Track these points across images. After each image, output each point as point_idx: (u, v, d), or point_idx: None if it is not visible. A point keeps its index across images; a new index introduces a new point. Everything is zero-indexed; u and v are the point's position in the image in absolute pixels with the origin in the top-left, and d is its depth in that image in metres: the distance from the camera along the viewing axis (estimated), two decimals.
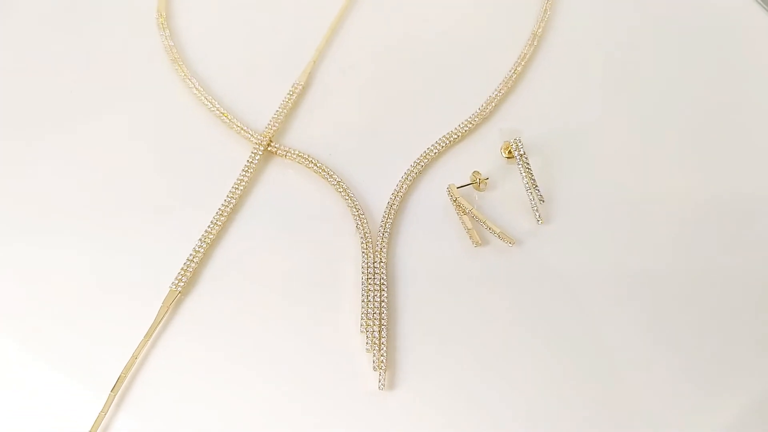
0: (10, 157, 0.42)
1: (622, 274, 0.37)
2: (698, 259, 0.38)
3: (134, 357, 0.35)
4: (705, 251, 0.38)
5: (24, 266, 0.38)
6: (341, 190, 0.40)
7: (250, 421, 0.34)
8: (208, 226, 0.39)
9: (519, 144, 0.39)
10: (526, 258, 0.38)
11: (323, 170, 0.40)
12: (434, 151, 0.41)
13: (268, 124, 0.42)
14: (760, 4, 0.47)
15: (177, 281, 0.37)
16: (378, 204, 0.40)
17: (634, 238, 0.39)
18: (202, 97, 0.43)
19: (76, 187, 0.41)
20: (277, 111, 0.43)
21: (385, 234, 0.39)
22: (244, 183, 0.40)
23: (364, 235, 0.38)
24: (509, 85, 0.44)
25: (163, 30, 0.46)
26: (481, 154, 0.42)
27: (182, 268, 0.37)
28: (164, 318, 0.36)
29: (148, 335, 0.36)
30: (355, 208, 0.39)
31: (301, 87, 0.44)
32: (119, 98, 0.44)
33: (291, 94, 0.44)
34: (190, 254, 0.38)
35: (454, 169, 0.41)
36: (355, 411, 0.34)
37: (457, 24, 0.47)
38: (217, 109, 0.43)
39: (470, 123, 0.42)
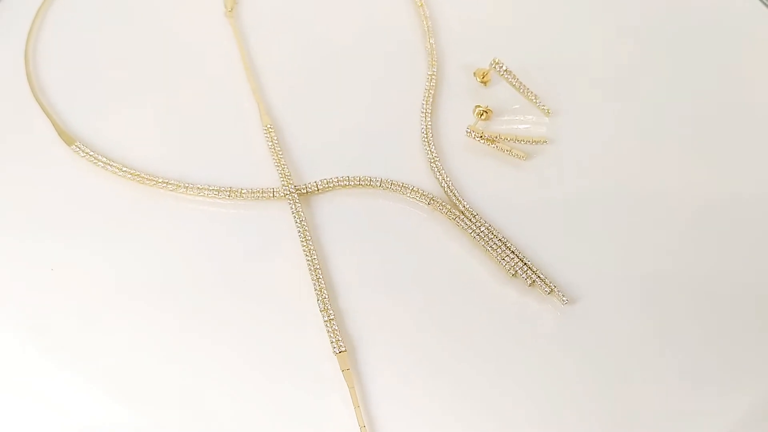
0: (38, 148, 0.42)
1: (627, 275, 0.38)
2: (703, 259, 0.38)
3: (362, 426, 0.34)
4: (709, 251, 0.38)
5: (39, 266, 0.39)
6: (389, 186, 0.41)
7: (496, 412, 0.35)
8: (315, 287, 0.38)
9: (499, 62, 0.43)
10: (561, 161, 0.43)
11: (361, 180, 0.41)
12: (428, 109, 0.44)
13: (281, 173, 0.41)
14: (763, 2, 0.47)
15: (335, 344, 0.36)
16: (417, 179, 0.42)
17: (638, 238, 0.39)
18: (201, 191, 0.41)
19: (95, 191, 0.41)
20: (276, 158, 0.42)
21: (453, 192, 0.40)
22: (308, 234, 0.39)
23: (442, 204, 0.40)
24: (430, 31, 0.47)
25: (85, 154, 0.42)
26: (461, 97, 0.45)
27: (329, 333, 0.36)
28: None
29: (355, 404, 0.35)
30: (414, 191, 0.40)
31: (272, 128, 0.43)
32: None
33: (272, 139, 0.43)
34: (324, 318, 0.37)
35: (452, 120, 0.44)
36: (554, 340, 0.37)
37: (355, 6, 0.49)
38: (222, 190, 0.41)
39: (434, 74, 0.45)
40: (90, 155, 0.42)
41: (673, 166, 0.42)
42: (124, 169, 0.42)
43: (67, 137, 0.43)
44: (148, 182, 0.41)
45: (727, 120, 0.43)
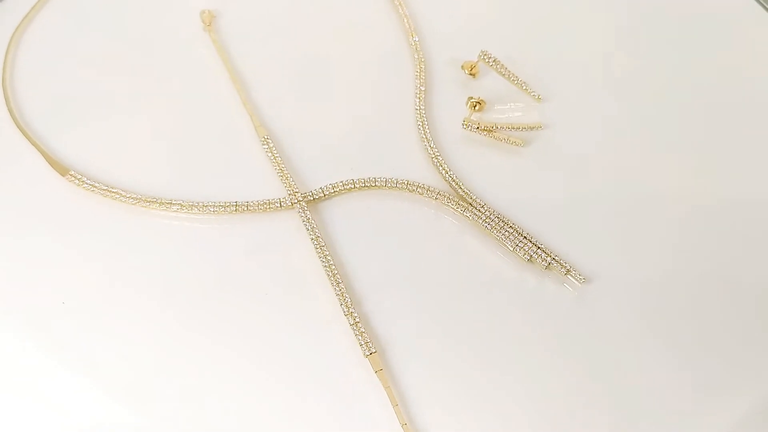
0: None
1: (626, 276, 0.38)
2: (702, 259, 0.38)
3: (403, 424, 0.34)
4: (708, 252, 0.39)
5: (41, 267, 0.39)
6: (394, 185, 0.41)
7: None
8: (336, 292, 0.38)
9: (487, 53, 0.44)
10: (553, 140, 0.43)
11: (366, 182, 0.41)
12: (421, 106, 0.44)
13: (286, 182, 0.41)
14: (760, 3, 0.47)
15: (365, 347, 0.36)
16: (419, 176, 0.42)
17: (636, 240, 0.39)
18: (206, 208, 0.41)
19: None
20: (278, 168, 0.42)
21: (459, 185, 0.41)
22: (321, 241, 0.39)
23: (449, 198, 0.40)
24: (412, 29, 0.48)
25: (81, 182, 0.41)
26: (451, 90, 0.46)
27: (357, 336, 0.36)
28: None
29: (393, 402, 0.35)
30: (421, 188, 0.41)
31: (269, 139, 0.43)
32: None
33: (271, 150, 0.42)
34: (350, 322, 0.37)
35: (445, 115, 0.44)
36: (573, 318, 0.38)
37: (334, 10, 0.49)
38: (228, 205, 0.41)
39: (422, 71, 0.46)
40: (86, 183, 0.41)
41: (670, 159, 0.42)
42: (125, 194, 0.41)
43: (60, 167, 0.42)
44: (149, 205, 0.41)
45: (725, 118, 0.44)
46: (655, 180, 0.41)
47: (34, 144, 0.43)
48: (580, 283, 0.38)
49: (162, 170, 0.43)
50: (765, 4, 0.47)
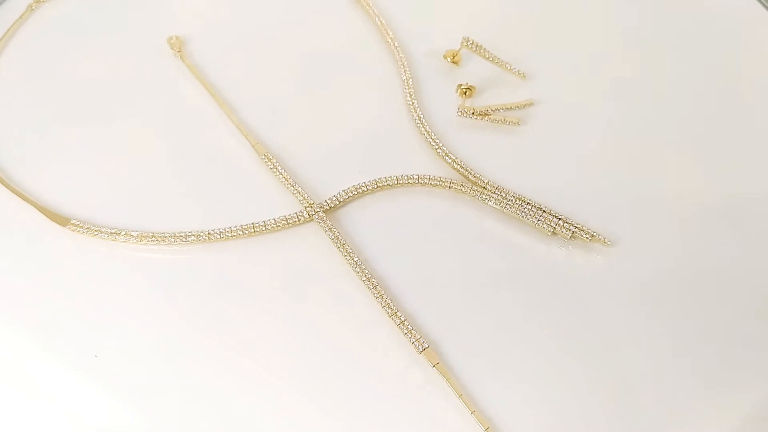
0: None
1: (629, 275, 0.38)
2: (704, 258, 0.38)
3: (472, 411, 0.35)
4: (710, 251, 0.39)
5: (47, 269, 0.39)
6: (405, 182, 0.41)
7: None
8: (374, 295, 0.37)
9: (469, 39, 0.44)
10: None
11: (378, 183, 0.41)
12: (414, 102, 0.44)
13: (300, 196, 0.41)
14: (762, 3, 0.46)
15: (417, 344, 0.36)
16: (425, 169, 0.42)
17: (639, 237, 0.39)
18: (224, 234, 0.40)
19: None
20: (286, 183, 0.41)
21: (470, 171, 0.41)
22: (348, 248, 0.39)
23: (463, 185, 0.41)
24: (384, 27, 0.48)
25: (86, 230, 0.40)
26: (436, 83, 0.46)
27: (406, 335, 0.36)
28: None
29: (457, 393, 0.35)
30: (434, 180, 0.41)
31: (270, 155, 0.42)
32: None
33: (275, 166, 0.42)
34: (396, 323, 0.37)
35: (437, 105, 0.45)
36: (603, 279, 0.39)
37: (303, 19, 0.49)
38: (245, 228, 0.40)
39: (405, 66, 0.46)
40: (91, 230, 0.40)
41: (668, 151, 0.43)
42: (134, 234, 0.40)
43: (59, 218, 0.41)
44: (161, 242, 0.40)
45: (726, 120, 0.44)
46: (657, 171, 0.42)
47: (27, 200, 0.41)
48: (606, 245, 0.39)
49: (166, 205, 0.42)
50: (767, 4, 0.47)
